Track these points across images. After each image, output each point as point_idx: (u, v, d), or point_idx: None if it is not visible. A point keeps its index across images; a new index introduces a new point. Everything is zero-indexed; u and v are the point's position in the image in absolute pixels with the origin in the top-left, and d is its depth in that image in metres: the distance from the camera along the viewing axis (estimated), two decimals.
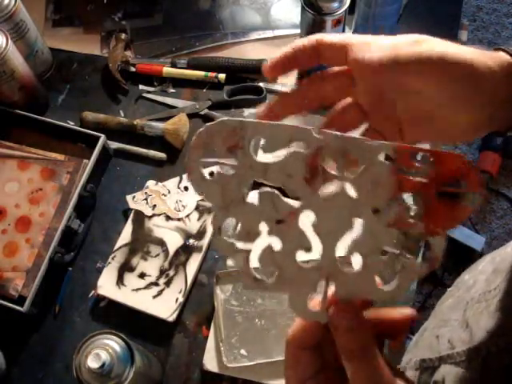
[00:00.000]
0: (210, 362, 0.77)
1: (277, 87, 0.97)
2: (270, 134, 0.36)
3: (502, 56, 0.41)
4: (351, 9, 0.87)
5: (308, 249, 0.36)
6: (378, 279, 0.36)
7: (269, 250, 0.36)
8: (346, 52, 0.44)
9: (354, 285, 0.36)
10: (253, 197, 0.36)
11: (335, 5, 0.83)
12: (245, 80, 0.98)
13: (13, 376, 0.81)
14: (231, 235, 0.37)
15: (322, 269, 0.36)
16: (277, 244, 0.36)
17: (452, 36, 0.99)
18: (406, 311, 0.38)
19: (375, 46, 0.42)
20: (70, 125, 0.94)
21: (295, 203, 0.36)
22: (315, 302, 0.36)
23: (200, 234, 0.85)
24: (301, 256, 0.36)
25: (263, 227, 0.36)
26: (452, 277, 1.70)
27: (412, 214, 0.36)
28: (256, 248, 0.36)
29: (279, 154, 0.35)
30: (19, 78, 0.89)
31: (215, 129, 0.35)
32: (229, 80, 0.97)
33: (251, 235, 0.36)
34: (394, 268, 0.36)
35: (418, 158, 0.35)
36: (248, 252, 0.36)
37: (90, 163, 0.87)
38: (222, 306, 0.79)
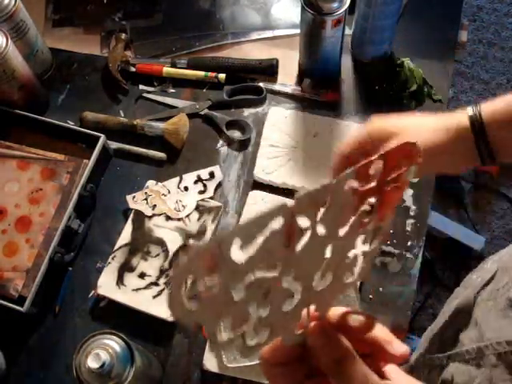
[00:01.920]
0: (210, 362, 0.77)
1: (277, 87, 0.97)
2: (245, 234, 0.34)
3: (458, 125, 0.56)
4: (351, 9, 0.87)
5: (291, 296, 0.37)
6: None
7: (258, 320, 0.37)
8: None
9: (327, 294, 0.38)
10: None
11: (335, 5, 0.83)
12: (245, 80, 0.98)
13: (13, 376, 0.81)
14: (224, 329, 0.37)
15: (304, 301, 0.37)
16: (265, 310, 0.37)
17: (452, 36, 0.99)
18: (401, 349, 0.38)
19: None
20: (70, 125, 0.94)
21: (276, 273, 0.36)
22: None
23: (200, 234, 0.85)
24: (286, 305, 0.37)
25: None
26: (452, 277, 1.70)
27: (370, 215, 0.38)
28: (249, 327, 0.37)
29: (257, 242, 0.34)
30: (19, 78, 0.89)
31: (192, 261, 0.33)
32: (229, 80, 0.97)
33: (243, 321, 0.37)
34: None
35: (372, 171, 0.37)
36: (243, 334, 0.37)
37: (90, 163, 0.87)
38: None
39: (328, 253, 0.37)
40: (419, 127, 0.58)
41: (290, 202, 0.33)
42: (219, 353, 0.75)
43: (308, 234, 0.36)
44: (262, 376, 0.75)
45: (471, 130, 0.55)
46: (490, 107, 0.55)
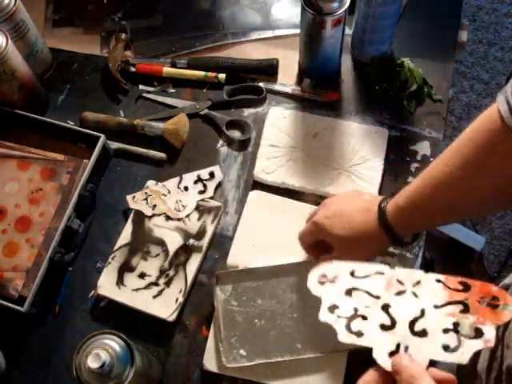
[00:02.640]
0: (210, 362, 0.77)
1: (277, 87, 0.97)
2: (361, 268, 0.56)
3: (375, 214, 0.69)
4: (351, 9, 0.87)
5: (387, 323, 0.52)
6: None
7: (359, 321, 0.53)
8: None
9: (425, 349, 0.50)
10: None
11: (335, 5, 0.83)
12: (245, 80, 0.98)
13: (13, 376, 0.81)
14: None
15: (397, 334, 0.51)
16: (365, 318, 0.53)
17: (452, 36, 0.99)
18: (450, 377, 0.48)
19: None
20: (70, 125, 0.94)
21: (376, 298, 0.54)
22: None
23: (200, 234, 0.85)
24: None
25: (355, 310, 0.54)
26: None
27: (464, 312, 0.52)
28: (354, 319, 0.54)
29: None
30: (19, 78, 0.89)
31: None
32: (229, 80, 0.97)
33: (347, 312, 0.54)
34: (457, 343, 0.51)
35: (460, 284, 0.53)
36: (348, 321, 0.53)
37: (89, 163, 0.87)
38: (221, 306, 0.79)
39: (422, 313, 0.52)
40: (344, 244, 0.71)
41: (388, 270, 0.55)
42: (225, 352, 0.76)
43: (405, 293, 0.53)
44: (262, 376, 0.75)
45: (379, 226, 0.67)
46: (394, 208, 0.66)
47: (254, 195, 0.87)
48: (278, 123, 0.92)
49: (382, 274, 0.55)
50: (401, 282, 0.54)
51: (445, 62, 0.97)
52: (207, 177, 0.90)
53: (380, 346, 0.51)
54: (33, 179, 0.89)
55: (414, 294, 0.53)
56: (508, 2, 2.11)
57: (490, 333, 0.50)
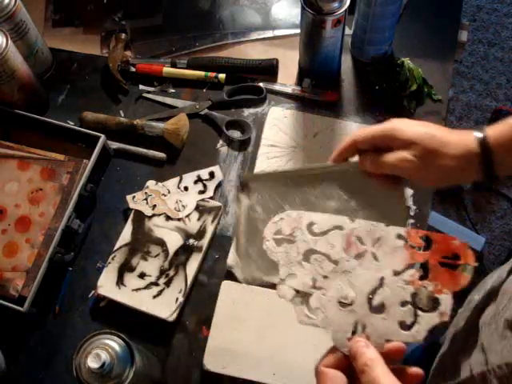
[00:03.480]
0: (210, 362, 0.77)
1: (277, 87, 0.97)
2: (319, 220, 0.55)
3: (472, 142, 0.57)
4: (351, 9, 0.87)
5: (345, 298, 0.52)
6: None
7: (318, 295, 0.53)
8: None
9: (381, 328, 0.51)
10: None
11: (335, 5, 0.83)
12: (245, 80, 0.98)
13: (13, 376, 0.81)
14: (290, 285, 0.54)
15: (355, 313, 0.52)
16: (323, 292, 0.53)
17: (452, 36, 0.99)
18: (418, 372, 0.49)
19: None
20: (70, 125, 0.94)
21: (335, 264, 0.53)
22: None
23: (200, 234, 0.85)
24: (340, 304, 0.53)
25: (313, 281, 0.53)
26: None
27: (423, 278, 0.52)
28: (312, 294, 0.53)
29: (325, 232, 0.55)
30: (19, 78, 0.89)
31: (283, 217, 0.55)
32: (229, 80, 0.97)
33: (305, 285, 0.53)
34: (413, 318, 0.51)
35: (423, 239, 0.53)
36: (306, 296, 0.53)
37: (89, 163, 0.87)
38: (244, 214, 0.68)
39: (381, 283, 0.52)
40: (432, 139, 0.58)
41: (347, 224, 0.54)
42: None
43: (364, 254, 0.53)
44: (262, 376, 0.75)
45: (480, 152, 0.56)
46: (497, 132, 0.57)
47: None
48: (278, 123, 0.92)
49: (342, 229, 0.54)
50: (361, 240, 0.53)
51: (445, 62, 0.97)
52: (207, 177, 0.90)
53: (339, 327, 0.51)
54: (33, 179, 0.89)
55: (374, 257, 0.53)
56: (508, 2, 2.11)
57: (445, 304, 0.51)
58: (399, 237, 0.53)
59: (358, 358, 0.47)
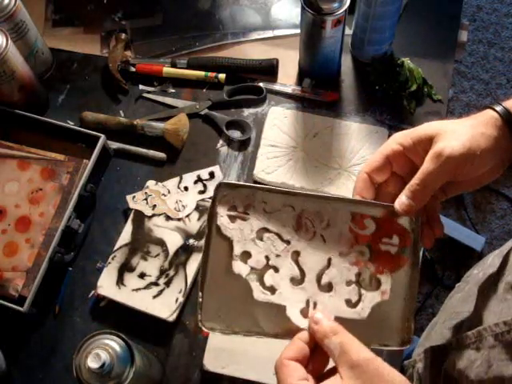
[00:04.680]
0: (210, 362, 0.77)
1: (277, 87, 0.97)
2: (271, 199, 0.56)
3: (492, 116, 0.55)
4: (351, 9, 0.87)
5: (296, 277, 0.55)
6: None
7: (271, 273, 0.55)
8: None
9: (330, 306, 0.55)
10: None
11: (335, 5, 0.83)
12: (245, 80, 0.98)
13: (13, 376, 0.81)
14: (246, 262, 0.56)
15: (306, 290, 0.55)
16: (276, 270, 0.56)
17: (452, 36, 0.99)
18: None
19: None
20: (70, 125, 0.94)
21: (286, 244, 0.56)
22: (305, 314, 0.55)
23: (200, 234, 0.85)
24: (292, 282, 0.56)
25: (267, 259, 0.56)
26: (452, 277, 1.70)
27: (366, 259, 0.56)
28: (265, 273, 0.56)
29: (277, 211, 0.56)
30: (19, 78, 0.89)
31: (235, 194, 0.56)
32: (229, 80, 0.97)
33: (259, 263, 0.56)
34: (357, 296, 0.55)
35: (367, 223, 0.56)
36: (261, 273, 0.55)
37: (90, 163, 0.87)
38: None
39: (329, 263, 0.56)
40: (456, 133, 0.56)
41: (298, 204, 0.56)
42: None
43: (313, 236, 0.56)
44: (262, 376, 0.75)
45: (506, 125, 0.55)
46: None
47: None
48: (278, 123, 0.92)
49: (293, 208, 0.56)
50: (311, 222, 0.56)
51: (445, 62, 0.97)
52: (207, 177, 0.90)
53: (292, 304, 0.55)
54: (33, 179, 0.89)
55: (323, 239, 0.56)
56: (508, 2, 2.11)
57: (386, 283, 0.55)
58: (346, 220, 0.56)
59: (320, 324, 0.51)
